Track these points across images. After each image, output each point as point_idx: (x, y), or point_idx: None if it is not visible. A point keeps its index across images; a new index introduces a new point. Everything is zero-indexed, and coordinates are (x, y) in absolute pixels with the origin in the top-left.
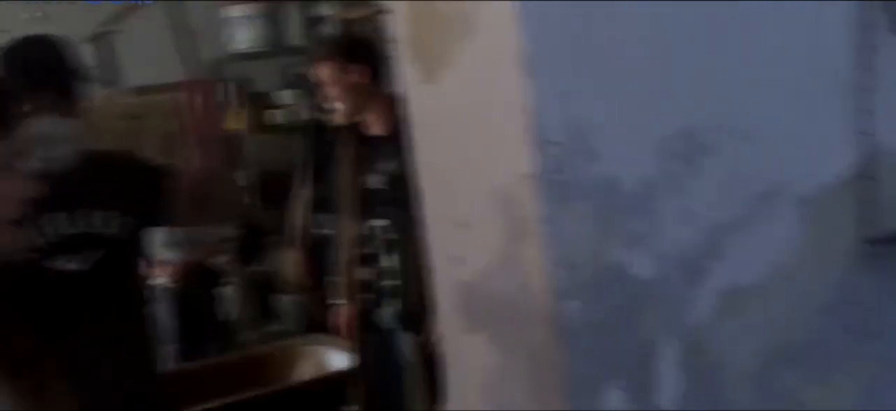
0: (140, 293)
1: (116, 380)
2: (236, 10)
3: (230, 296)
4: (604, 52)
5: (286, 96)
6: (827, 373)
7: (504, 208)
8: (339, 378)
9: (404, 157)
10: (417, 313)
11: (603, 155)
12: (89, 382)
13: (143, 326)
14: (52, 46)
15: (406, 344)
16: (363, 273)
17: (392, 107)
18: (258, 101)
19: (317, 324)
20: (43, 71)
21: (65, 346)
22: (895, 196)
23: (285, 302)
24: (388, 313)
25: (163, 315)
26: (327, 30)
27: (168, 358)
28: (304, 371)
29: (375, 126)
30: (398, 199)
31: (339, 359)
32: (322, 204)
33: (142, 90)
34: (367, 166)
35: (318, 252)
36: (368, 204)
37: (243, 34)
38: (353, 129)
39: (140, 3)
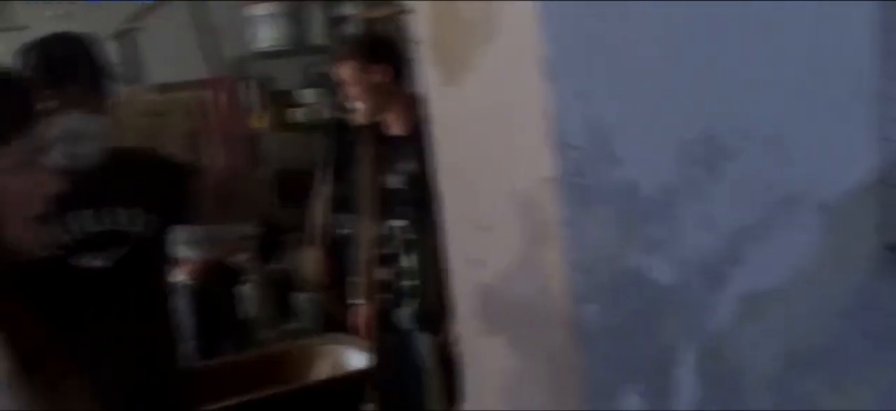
0: (164, 291)
1: (138, 378)
2: (259, 9)
3: (249, 293)
4: (625, 56)
5: (308, 95)
6: (846, 379)
7: (524, 211)
8: (357, 377)
9: (424, 158)
10: (436, 314)
11: (624, 159)
12: (110, 379)
13: (166, 324)
14: (80, 43)
15: (424, 344)
16: (382, 273)
17: (413, 107)
18: (280, 100)
19: (335, 323)
20: (71, 67)
21: (87, 343)
22: None
23: (304, 300)
24: (406, 313)
25: (182, 312)
26: (350, 29)
27: (187, 355)
28: (322, 370)
29: (396, 126)
30: (418, 200)
31: (356, 359)
32: (342, 203)
33: (164, 87)
34: (387, 166)
35: (338, 251)
36: (388, 204)
37: (266, 32)
38: (374, 129)
39: (163, 0)
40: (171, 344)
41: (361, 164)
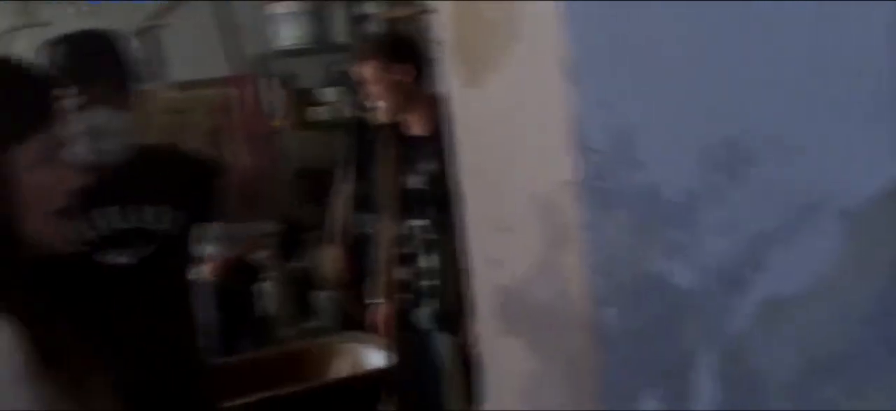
0: (187, 288)
1: (161, 375)
2: (281, 7)
3: (269, 291)
4: (648, 58)
5: (329, 93)
6: (866, 386)
7: (545, 214)
8: (376, 376)
9: (445, 158)
10: (455, 314)
11: (645, 163)
12: (133, 376)
13: (189, 321)
14: (107, 40)
15: (443, 344)
16: (401, 272)
17: (434, 107)
18: (301, 98)
19: (354, 322)
20: (98, 64)
21: (111, 340)
22: None
23: (323, 298)
24: (425, 313)
25: (202, 309)
26: (372, 28)
27: (208, 352)
28: (341, 368)
29: (417, 126)
30: (438, 200)
31: (375, 358)
32: (363, 202)
33: (186, 85)
34: (408, 166)
35: (358, 250)
36: (408, 203)
37: (288, 31)
38: (395, 129)
39: None
40: (194, 342)
41: (382, 164)
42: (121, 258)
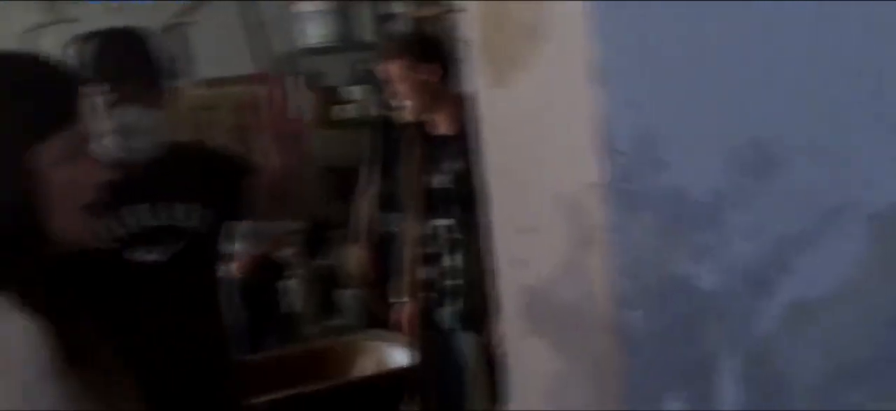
0: (216, 287)
1: (188, 372)
2: (308, 5)
3: (294, 288)
4: (675, 61)
5: (355, 92)
6: (892, 389)
7: (570, 215)
8: (399, 375)
9: (470, 158)
10: (479, 313)
11: (671, 165)
12: (160, 374)
13: (217, 319)
14: (139, 38)
15: (467, 344)
16: (426, 271)
17: (460, 107)
18: (327, 96)
19: (378, 321)
20: (129, 62)
21: (139, 337)
22: None
23: (348, 297)
24: (449, 313)
25: (227, 306)
26: (398, 27)
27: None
28: (365, 367)
29: (443, 125)
30: (463, 200)
31: (399, 356)
32: (388, 201)
33: (212, 82)
34: (433, 165)
35: (383, 249)
36: (433, 203)
37: (314, 29)
38: (420, 128)
39: None
40: (222, 340)
41: (407, 163)
42: (150, 255)
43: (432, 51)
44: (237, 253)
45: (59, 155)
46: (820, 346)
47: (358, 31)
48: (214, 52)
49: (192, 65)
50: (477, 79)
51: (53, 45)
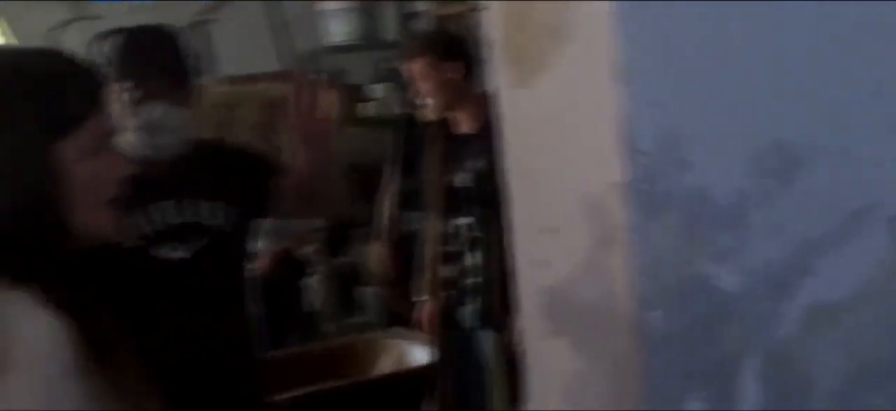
0: (241, 284)
1: (212, 370)
2: (331, 4)
3: (315, 286)
4: (699, 61)
5: (379, 90)
6: None
7: (592, 214)
8: (420, 373)
9: (492, 157)
10: (499, 312)
11: (694, 166)
12: (184, 371)
13: (242, 317)
14: (166, 35)
15: (487, 342)
16: (446, 270)
17: (483, 105)
18: (350, 94)
19: (399, 319)
20: (156, 59)
21: (162, 334)
22: None
23: (369, 294)
24: (469, 311)
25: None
26: (421, 25)
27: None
28: (386, 364)
29: (465, 123)
30: (485, 198)
31: (419, 354)
32: (410, 199)
33: (236, 80)
34: (455, 164)
35: (404, 247)
36: (455, 201)
37: (338, 27)
38: (443, 126)
39: None
40: (246, 338)
41: (429, 161)
42: (175, 253)
43: (455, 49)
44: (260, 250)
45: (82, 149)
46: (841, 348)
47: (381, 29)
48: (237, 51)
49: (215, 63)
50: (499, 79)
51: (78, 42)
